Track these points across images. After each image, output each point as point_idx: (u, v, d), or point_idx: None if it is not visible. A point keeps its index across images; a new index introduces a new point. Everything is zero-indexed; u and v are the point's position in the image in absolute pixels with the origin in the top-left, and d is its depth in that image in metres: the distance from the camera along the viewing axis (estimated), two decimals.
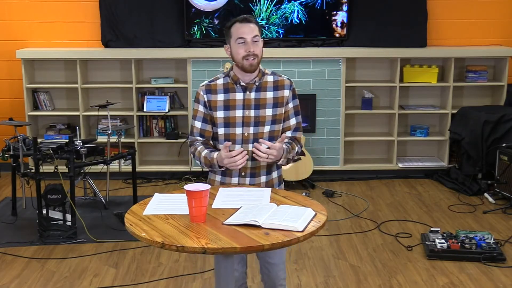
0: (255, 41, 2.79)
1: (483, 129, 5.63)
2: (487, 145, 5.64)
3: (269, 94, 2.86)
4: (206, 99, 2.86)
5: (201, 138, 2.91)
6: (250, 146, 2.84)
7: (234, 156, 2.70)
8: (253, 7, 6.07)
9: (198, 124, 2.90)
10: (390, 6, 6.18)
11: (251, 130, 2.85)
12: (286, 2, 6.07)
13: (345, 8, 6.10)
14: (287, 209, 2.45)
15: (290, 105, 2.91)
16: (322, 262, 4.23)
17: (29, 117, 6.13)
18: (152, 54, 6.07)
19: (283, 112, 2.90)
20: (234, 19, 2.83)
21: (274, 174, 2.96)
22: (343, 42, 6.23)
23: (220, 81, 2.88)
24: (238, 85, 2.85)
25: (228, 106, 2.84)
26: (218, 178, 2.93)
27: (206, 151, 2.85)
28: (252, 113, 2.85)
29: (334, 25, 6.15)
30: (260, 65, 2.87)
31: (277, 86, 2.88)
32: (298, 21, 6.11)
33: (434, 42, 6.35)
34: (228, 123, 2.85)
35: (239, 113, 2.85)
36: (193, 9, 6.08)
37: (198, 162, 2.90)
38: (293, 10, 6.09)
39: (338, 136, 6.18)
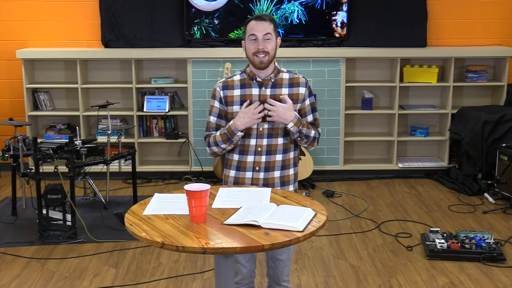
0: (267, 39, 2.86)
1: (483, 129, 5.62)
2: (487, 145, 5.63)
3: (285, 91, 2.92)
4: (222, 95, 2.94)
5: (216, 132, 2.95)
6: (264, 141, 2.90)
7: (255, 108, 2.81)
8: (253, 7, 6.07)
9: (213, 120, 2.96)
10: (390, 6, 6.18)
11: (266, 125, 2.90)
12: (286, 2, 6.07)
13: (345, 8, 6.10)
14: (287, 209, 2.45)
15: (307, 102, 2.97)
16: (322, 262, 4.23)
17: (29, 117, 6.13)
18: (152, 54, 6.07)
19: (298, 109, 2.94)
20: (251, 17, 2.93)
21: (290, 171, 2.98)
22: (343, 42, 6.23)
23: (237, 77, 2.96)
24: (254, 81, 2.92)
25: (244, 101, 2.90)
26: (232, 173, 2.96)
27: (221, 129, 2.91)
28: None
29: (334, 25, 6.15)
30: (276, 63, 2.94)
31: (293, 83, 2.94)
32: (298, 21, 6.11)
33: (434, 42, 6.35)
34: None
35: None
36: (193, 9, 6.08)
37: (215, 149, 2.93)
38: (293, 10, 6.09)
39: (338, 136, 6.18)
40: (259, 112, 2.83)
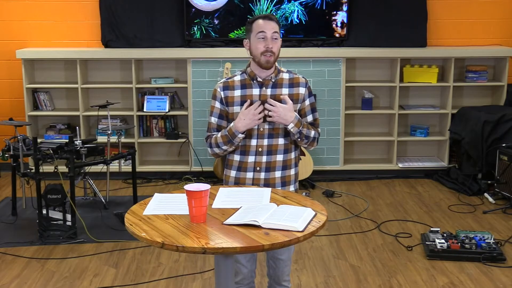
0: (274, 38, 2.87)
1: (483, 129, 5.62)
2: (487, 145, 5.63)
3: (285, 91, 2.92)
4: (222, 96, 2.93)
5: (217, 133, 2.94)
6: (265, 141, 2.90)
7: (255, 109, 2.78)
8: (253, 7, 6.07)
9: (214, 120, 2.95)
10: (390, 6, 6.18)
11: (266, 125, 2.90)
12: (286, 2, 6.07)
13: (345, 8, 6.10)
14: (287, 209, 2.45)
15: (307, 102, 2.97)
16: (322, 262, 4.23)
17: (29, 117, 6.13)
18: (152, 54, 6.07)
19: (298, 108, 2.94)
20: (257, 16, 2.93)
21: (291, 171, 2.98)
22: (343, 42, 6.23)
23: (237, 78, 2.95)
24: (254, 81, 2.92)
25: (245, 101, 2.90)
26: (233, 173, 2.96)
27: (222, 131, 2.90)
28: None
29: (334, 25, 6.15)
30: (276, 63, 2.95)
31: (293, 83, 2.95)
32: (298, 21, 6.11)
33: (434, 42, 6.35)
34: None
35: None
36: (193, 9, 6.08)
37: (216, 150, 2.92)
38: (293, 10, 6.09)
39: (338, 136, 6.18)
40: (260, 113, 2.83)
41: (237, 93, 2.92)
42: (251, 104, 2.86)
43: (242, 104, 2.89)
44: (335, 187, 5.94)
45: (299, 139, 2.90)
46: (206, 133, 3.01)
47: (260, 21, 2.87)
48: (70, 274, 4.06)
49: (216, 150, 2.93)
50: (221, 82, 2.97)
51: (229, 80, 2.96)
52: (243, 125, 2.82)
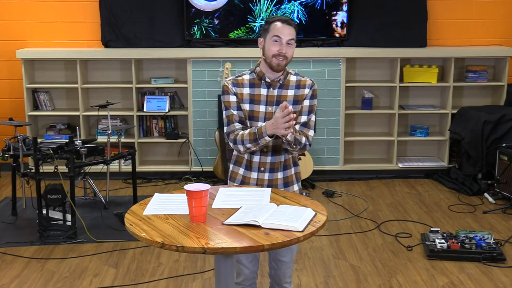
0: (289, 44, 2.87)
1: (483, 129, 5.62)
2: (487, 145, 5.63)
3: (291, 92, 2.92)
4: (234, 91, 2.91)
5: (240, 125, 2.91)
6: (271, 141, 2.85)
7: (282, 117, 2.67)
8: (253, 7, 6.07)
9: (235, 112, 2.91)
10: (390, 6, 6.18)
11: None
12: (286, 2, 6.07)
13: (345, 8, 6.10)
14: (287, 209, 2.45)
15: (306, 102, 2.94)
16: (322, 262, 4.23)
17: (29, 117, 6.13)
18: (152, 54, 6.07)
19: (298, 110, 2.92)
20: (276, 17, 2.92)
21: (292, 171, 2.98)
22: (343, 42, 6.23)
23: (246, 77, 2.95)
24: (263, 81, 2.92)
25: (254, 100, 2.90)
26: (241, 171, 2.96)
27: (250, 128, 2.85)
28: (274, 109, 2.89)
29: (334, 25, 6.15)
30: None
31: (299, 85, 2.95)
32: (298, 21, 6.10)
33: (434, 42, 6.35)
34: (252, 116, 2.91)
35: (262, 108, 2.91)
36: (193, 9, 6.08)
37: (240, 147, 2.85)
38: (293, 10, 6.09)
39: (338, 136, 6.18)
40: (287, 122, 2.69)
41: (246, 91, 2.92)
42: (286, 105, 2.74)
43: (250, 103, 2.89)
44: (335, 187, 5.94)
45: (294, 146, 2.85)
46: (226, 128, 2.93)
47: (279, 24, 2.85)
48: (70, 274, 4.06)
49: (240, 147, 2.86)
50: (230, 79, 2.95)
51: (238, 78, 2.95)
52: (271, 128, 2.74)
